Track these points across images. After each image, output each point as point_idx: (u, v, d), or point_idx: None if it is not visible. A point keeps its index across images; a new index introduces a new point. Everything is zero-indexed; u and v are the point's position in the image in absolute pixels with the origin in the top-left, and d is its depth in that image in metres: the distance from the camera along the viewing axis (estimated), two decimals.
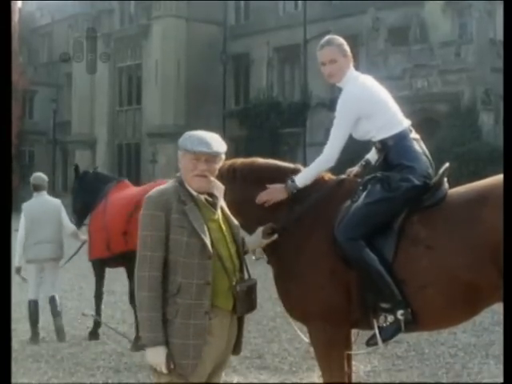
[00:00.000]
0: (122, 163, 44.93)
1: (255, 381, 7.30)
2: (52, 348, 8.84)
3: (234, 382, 7.26)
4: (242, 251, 4.18)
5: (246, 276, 4.22)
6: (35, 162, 50.88)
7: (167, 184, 4.11)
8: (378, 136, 4.75)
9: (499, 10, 27.88)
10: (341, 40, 4.91)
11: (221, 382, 4.25)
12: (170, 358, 3.87)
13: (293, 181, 4.77)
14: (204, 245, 3.91)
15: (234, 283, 4.00)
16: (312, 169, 4.82)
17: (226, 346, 4.09)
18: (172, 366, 3.88)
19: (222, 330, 4.01)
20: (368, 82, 4.86)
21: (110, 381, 7.37)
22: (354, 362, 5.19)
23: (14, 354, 7.60)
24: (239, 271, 4.11)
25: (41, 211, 9.37)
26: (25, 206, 9.65)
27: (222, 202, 4.16)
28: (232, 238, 4.12)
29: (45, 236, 9.30)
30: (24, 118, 48.24)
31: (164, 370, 3.88)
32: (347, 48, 4.88)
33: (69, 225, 9.67)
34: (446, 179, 4.70)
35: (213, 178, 4.09)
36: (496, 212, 4.28)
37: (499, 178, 4.50)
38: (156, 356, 3.88)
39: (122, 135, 45.18)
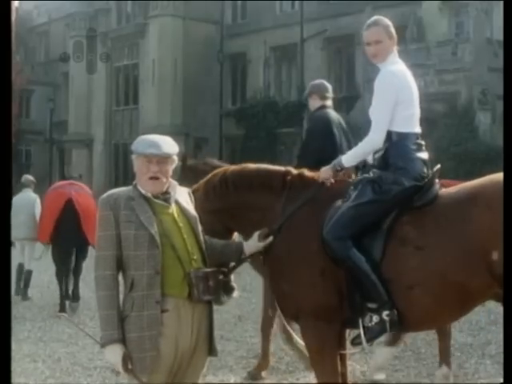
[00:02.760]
0: (119, 163, 44.86)
1: (252, 381, 7.29)
2: (49, 348, 8.84)
3: (231, 381, 7.27)
4: (201, 242, 4.23)
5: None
6: (32, 161, 50.84)
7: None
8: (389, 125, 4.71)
9: (496, 9, 27.91)
10: (387, 21, 4.84)
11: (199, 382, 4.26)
12: (127, 357, 3.92)
13: (340, 159, 4.79)
14: (151, 236, 3.99)
15: (188, 272, 4.06)
16: (359, 149, 4.80)
17: (194, 343, 4.10)
18: (130, 367, 3.92)
19: (178, 321, 4.03)
20: (407, 72, 4.84)
21: (107, 381, 7.37)
22: (350, 362, 5.20)
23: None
24: (202, 262, 4.18)
25: (21, 202, 12.35)
26: (13, 198, 12.49)
27: (178, 197, 4.24)
28: (190, 229, 4.19)
29: (22, 221, 12.12)
30: (21, 118, 48.15)
31: (120, 369, 3.94)
32: (393, 30, 4.82)
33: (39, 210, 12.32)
34: (437, 180, 4.70)
35: (165, 180, 4.17)
36: (486, 211, 4.29)
37: (490, 177, 4.52)
38: (112, 354, 3.96)
39: (118, 135, 45.10)
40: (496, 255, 4.17)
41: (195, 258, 4.13)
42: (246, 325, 9.86)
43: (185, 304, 4.06)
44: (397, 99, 4.67)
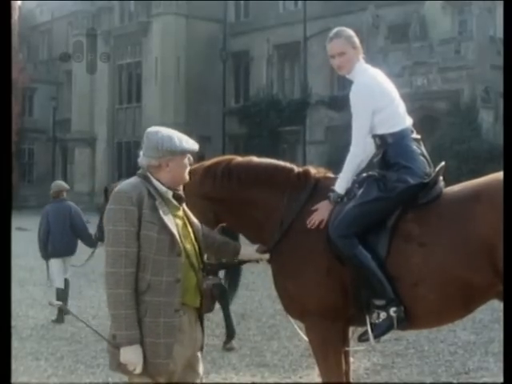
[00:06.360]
0: (122, 161, 44.89)
1: (255, 379, 7.30)
2: (52, 346, 8.84)
3: (234, 380, 7.26)
4: (202, 250, 4.15)
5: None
6: (35, 159, 50.92)
7: (132, 179, 4.03)
8: (379, 130, 4.70)
9: (499, 8, 27.86)
10: (349, 32, 4.83)
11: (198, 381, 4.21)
12: (142, 357, 3.81)
13: (333, 191, 4.71)
14: (174, 241, 3.86)
15: (203, 281, 3.99)
16: (346, 170, 4.75)
17: (194, 344, 4.08)
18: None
19: (190, 327, 3.99)
20: (378, 75, 4.83)
21: (109, 379, 7.35)
22: (353, 360, 5.20)
23: (13, 352, 7.58)
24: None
25: None
26: None
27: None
28: (194, 234, 4.11)
29: None
30: (24, 116, 48.20)
31: (138, 370, 3.81)
32: (356, 40, 4.81)
33: None
34: (441, 177, 4.70)
35: None
36: (489, 209, 4.29)
37: (493, 176, 4.52)
38: (132, 355, 3.79)
39: (121, 133, 45.13)
40: (500, 253, 4.17)
41: (202, 264, 4.08)
42: (248, 323, 9.86)
43: (193, 311, 4.03)
44: (375, 108, 4.66)
